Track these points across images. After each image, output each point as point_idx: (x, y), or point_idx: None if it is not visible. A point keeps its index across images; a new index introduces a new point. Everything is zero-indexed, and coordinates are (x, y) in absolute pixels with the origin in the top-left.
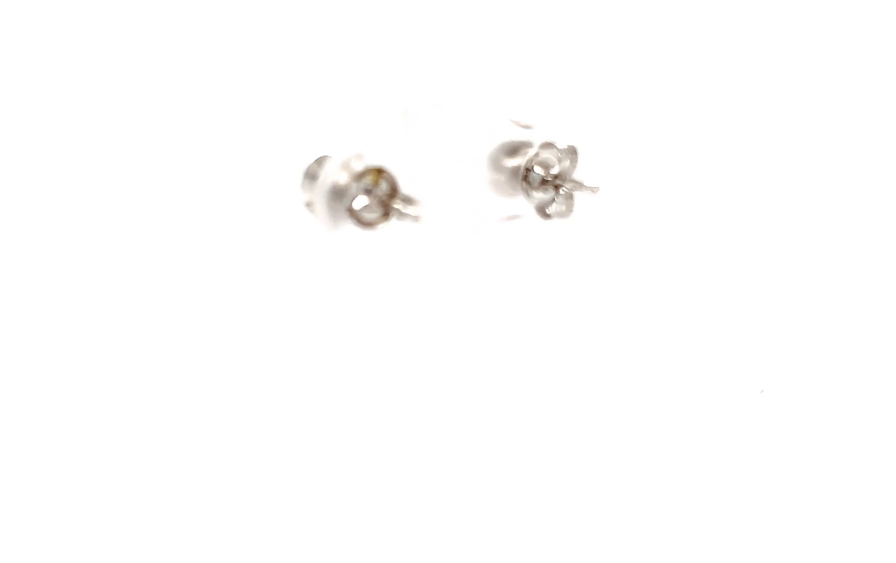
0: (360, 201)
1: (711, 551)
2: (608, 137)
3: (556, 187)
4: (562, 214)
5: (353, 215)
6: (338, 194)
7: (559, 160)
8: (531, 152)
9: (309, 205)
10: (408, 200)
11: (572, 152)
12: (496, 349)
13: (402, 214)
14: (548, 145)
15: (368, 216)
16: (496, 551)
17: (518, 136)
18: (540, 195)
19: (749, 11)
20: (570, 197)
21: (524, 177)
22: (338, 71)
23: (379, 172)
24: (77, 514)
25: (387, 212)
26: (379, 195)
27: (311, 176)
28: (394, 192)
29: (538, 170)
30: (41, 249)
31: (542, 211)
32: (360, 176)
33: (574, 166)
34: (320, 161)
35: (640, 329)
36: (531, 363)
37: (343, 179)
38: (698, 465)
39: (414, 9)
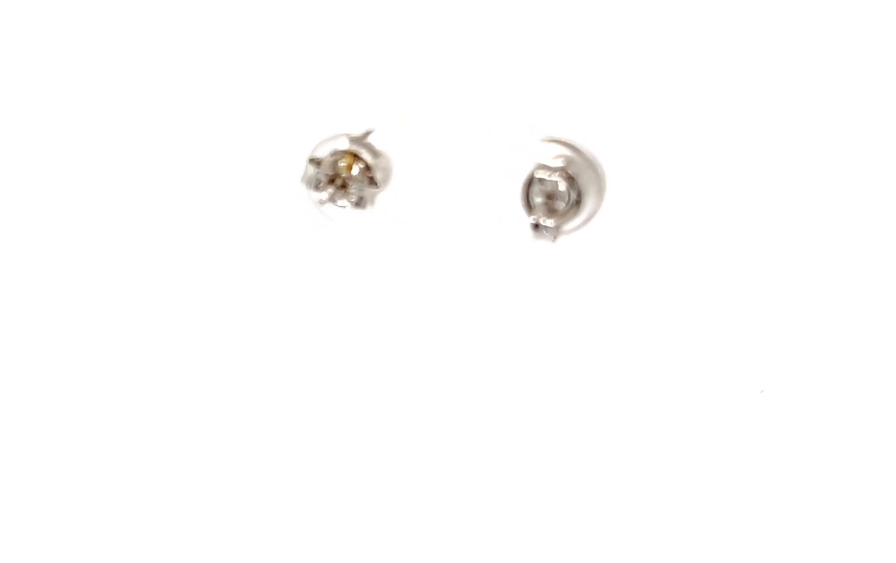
0: (309, 177)
1: (711, 551)
2: (608, 139)
3: (548, 210)
4: (545, 237)
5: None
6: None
7: (554, 185)
8: (530, 171)
9: None
10: (359, 194)
11: (565, 180)
12: (499, 349)
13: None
14: (544, 167)
15: (320, 184)
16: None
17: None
18: (535, 213)
19: (755, 16)
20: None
21: (525, 193)
22: (337, 70)
23: (354, 156)
24: (77, 514)
25: (343, 191)
26: (339, 174)
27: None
28: (345, 184)
29: (538, 188)
30: (40, 246)
31: (535, 228)
32: (336, 155)
33: (562, 196)
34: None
35: (640, 329)
36: (532, 361)
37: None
38: (698, 465)
39: (413, 8)
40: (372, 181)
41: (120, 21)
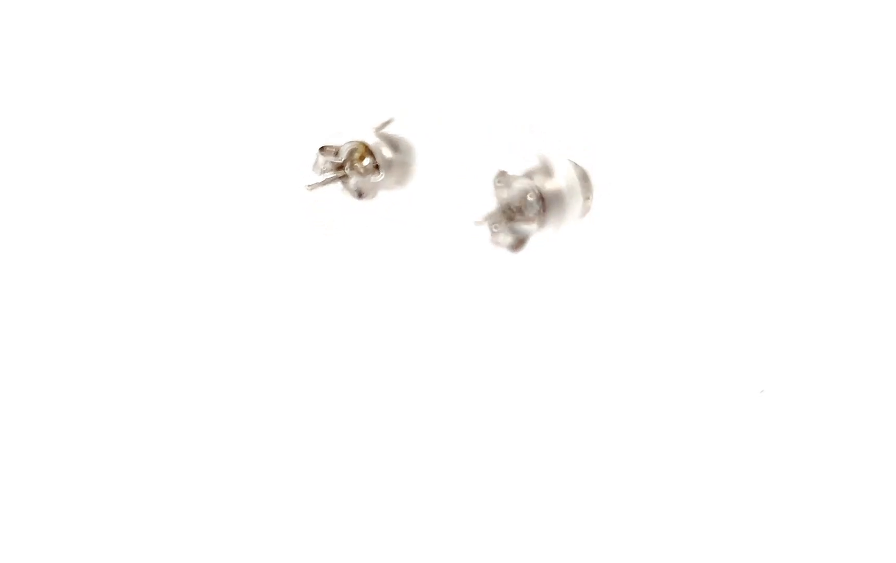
0: (317, 165)
1: (711, 551)
2: (607, 139)
3: (507, 217)
4: (500, 244)
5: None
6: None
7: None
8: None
9: None
10: (358, 187)
11: (503, 180)
12: (500, 350)
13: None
14: (502, 174)
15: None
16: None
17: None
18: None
19: (750, 14)
20: (514, 233)
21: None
22: (339, 71)
23: (366, 147)
24: (75, 514)
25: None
26: (350, 163)
27: None
28: (343, 171)
29: (500, 196)
30: (43, 248)
31: (492, 234)
32: (353, 145)
33: (530, 207)
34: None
35: (640, 330)
36: (533, 363)
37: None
38: (698, 465)
39: (417, 9)
40: (376, 173)
41: (130, 26)
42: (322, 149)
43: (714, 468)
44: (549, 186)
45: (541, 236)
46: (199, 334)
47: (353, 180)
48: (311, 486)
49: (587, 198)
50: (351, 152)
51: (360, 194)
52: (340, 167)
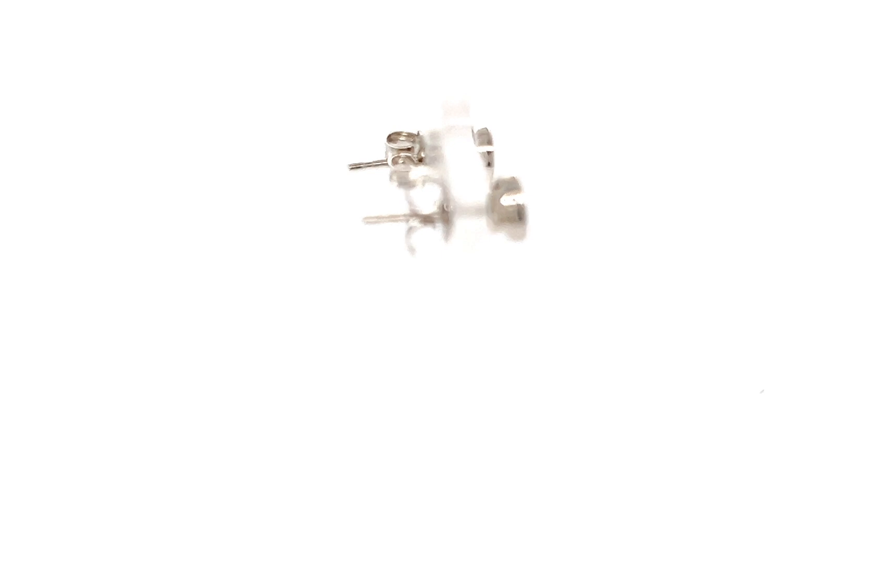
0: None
1: (711, 551)
2: (607, 138)
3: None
4: (409, 247)
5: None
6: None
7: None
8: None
9: None
10: (404, 174)
11: (407, 182)
12: (501, 351)
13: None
14: (404, 174)
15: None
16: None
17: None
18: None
19: (749, 13)
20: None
21: None
22: (339, 70)
23: (411, 137)
24: (77, 514)
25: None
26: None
27: None
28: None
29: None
30: (45, 250)
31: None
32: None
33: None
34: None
35: (640, 330)
36: (533, 365)
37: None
38: (698, 465)
39: (428, 13)
40: (421, 166)
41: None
42: (391, 136)
43: (714, 469)
44: (453, 198)
45: (447, 246)
46: (200, 334)
47: (399, 169)
48: (312, 487)
49: (507, 217)
50: (422, 141)
51: (405, 183)
52: (403, 152)
